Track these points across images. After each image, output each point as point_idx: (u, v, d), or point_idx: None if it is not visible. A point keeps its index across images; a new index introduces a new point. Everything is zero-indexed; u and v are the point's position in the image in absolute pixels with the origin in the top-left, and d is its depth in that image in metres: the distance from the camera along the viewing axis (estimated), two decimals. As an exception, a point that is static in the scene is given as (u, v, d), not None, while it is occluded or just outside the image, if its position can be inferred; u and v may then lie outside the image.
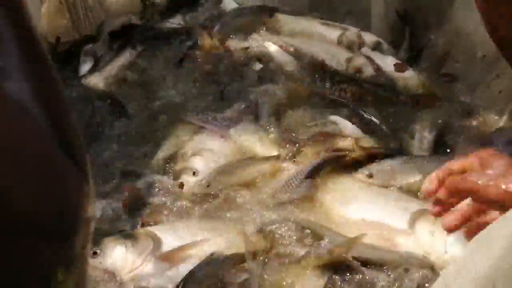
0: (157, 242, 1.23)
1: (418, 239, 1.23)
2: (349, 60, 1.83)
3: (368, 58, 1.81)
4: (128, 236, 1.24)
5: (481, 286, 0.69)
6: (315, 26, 1.96)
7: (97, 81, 1.75)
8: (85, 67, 1.81)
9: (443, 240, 1.19)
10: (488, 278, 0.69)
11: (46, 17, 1.64)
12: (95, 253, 1.21)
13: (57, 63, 1.72)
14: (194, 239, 1.23)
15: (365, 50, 1.86)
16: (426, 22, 1.82)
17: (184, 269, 1.20)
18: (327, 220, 1.32)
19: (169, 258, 1.22)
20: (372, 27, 1.92)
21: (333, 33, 1.95)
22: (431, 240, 1.21)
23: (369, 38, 1.91)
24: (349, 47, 1.90)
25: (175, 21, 1.95)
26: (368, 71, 1.79)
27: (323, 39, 1.94)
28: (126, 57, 1.82)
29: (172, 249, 1.23)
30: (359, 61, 1.83)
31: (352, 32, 1.94)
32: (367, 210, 1.33)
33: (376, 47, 1.90)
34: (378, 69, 1.78)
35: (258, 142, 1.51)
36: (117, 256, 1.21)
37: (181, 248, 1.22)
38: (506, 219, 0.75)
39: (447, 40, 1.75)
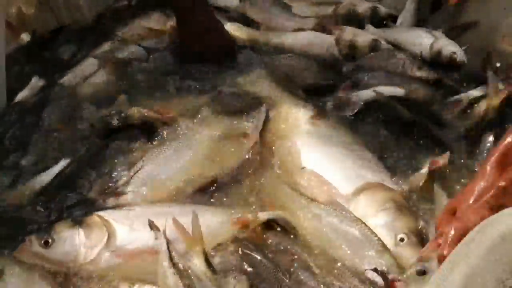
0: (111, 234, 1.18)
1: (353, 207, 1.22)
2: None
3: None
4: (81, 224, 1.18)
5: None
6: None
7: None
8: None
9: (373, 216, 1.20)
10: None
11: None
12: (46, 242, 1.15)
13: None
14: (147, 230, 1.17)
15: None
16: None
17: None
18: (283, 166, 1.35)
19: (123, 256, 1.17)
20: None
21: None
22: (363, 212, 1.21)
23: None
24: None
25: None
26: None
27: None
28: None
29: (127, 249, 1.18)
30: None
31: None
32: (325, 166, 1.32)
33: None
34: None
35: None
36: (70, 247, 1.15)
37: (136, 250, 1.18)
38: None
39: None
